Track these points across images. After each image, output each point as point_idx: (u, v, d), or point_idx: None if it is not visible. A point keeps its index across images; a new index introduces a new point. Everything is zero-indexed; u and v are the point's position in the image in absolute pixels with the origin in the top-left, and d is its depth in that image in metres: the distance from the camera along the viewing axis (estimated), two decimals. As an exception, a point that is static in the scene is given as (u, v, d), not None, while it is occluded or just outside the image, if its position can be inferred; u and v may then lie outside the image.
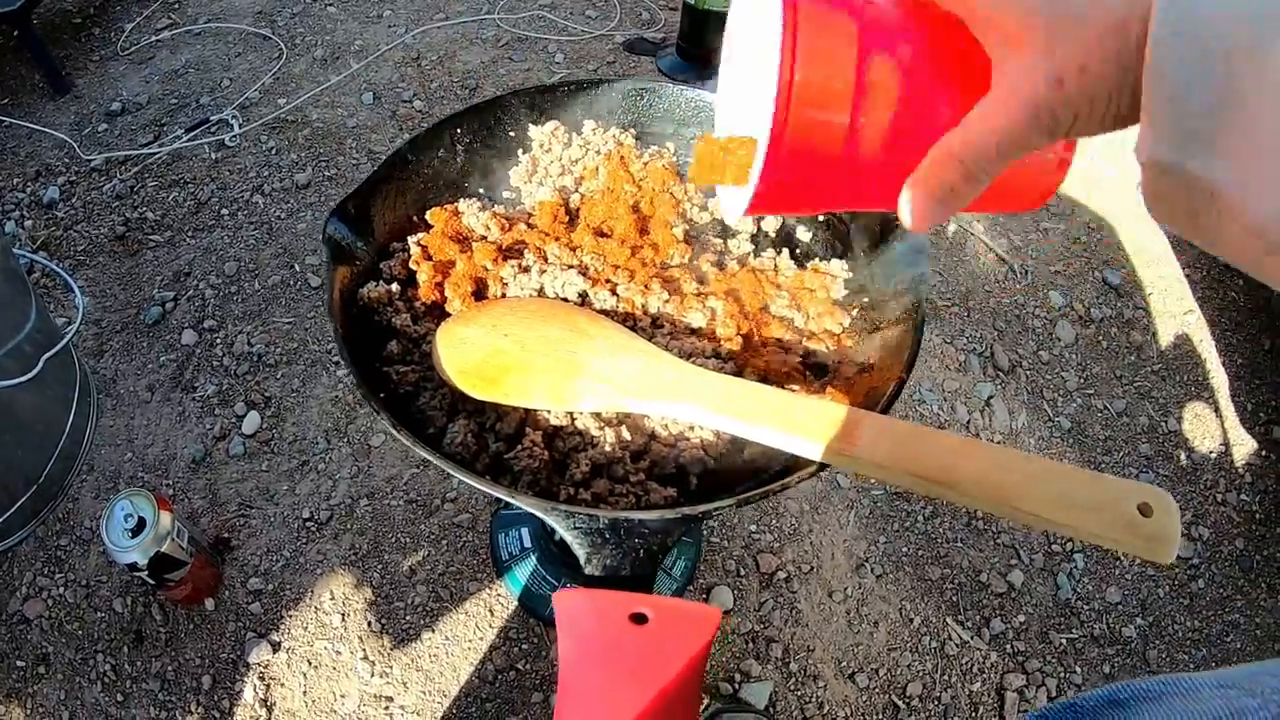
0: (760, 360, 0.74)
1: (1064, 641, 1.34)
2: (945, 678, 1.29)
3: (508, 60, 2.21)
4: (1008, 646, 1.32)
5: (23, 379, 1.18)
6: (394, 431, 0.60)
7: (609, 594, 0.55)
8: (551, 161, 0.90)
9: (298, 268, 1.72)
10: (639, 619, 0.53)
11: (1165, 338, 1.74)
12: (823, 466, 0.61)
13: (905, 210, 0.40)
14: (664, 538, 0.58)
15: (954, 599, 1.36)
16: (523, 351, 0.68)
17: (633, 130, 0.93)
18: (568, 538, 0.57)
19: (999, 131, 0.35)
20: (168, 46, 2.27)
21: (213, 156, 1.93)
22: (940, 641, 1.32)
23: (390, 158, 0.82)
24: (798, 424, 0.59)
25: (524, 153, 0.92)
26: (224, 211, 1.82)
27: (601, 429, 0.69)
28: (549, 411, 0.70)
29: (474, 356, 0.68)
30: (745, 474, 0.70)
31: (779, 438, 0.59)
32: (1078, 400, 1.62)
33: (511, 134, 0.91)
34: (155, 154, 1.92)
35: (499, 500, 1.37)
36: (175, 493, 1.40)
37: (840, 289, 0.82)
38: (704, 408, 0.61)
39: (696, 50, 2.14)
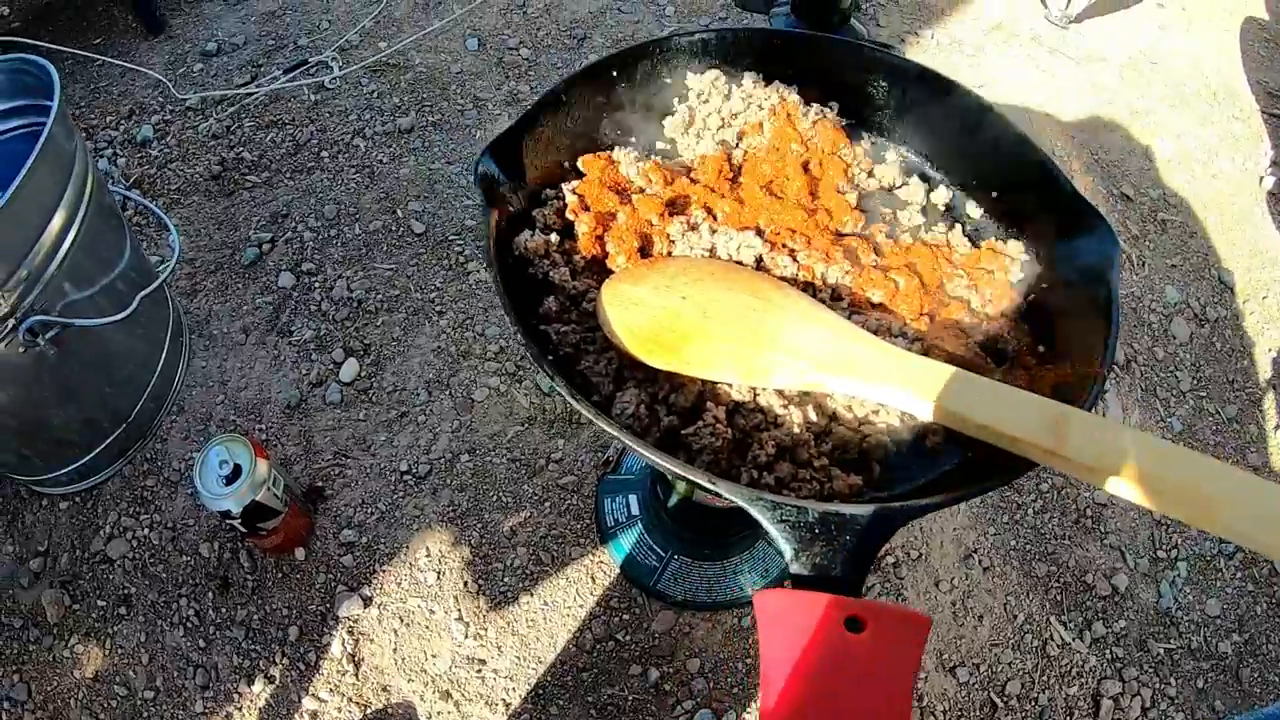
0: (946, 344, 0.68)
1: (1161, 651, 1.28)
2: (1044, 678, 1.24)
3: (616, 11, 2.13)
4: (1107, 651, 1.27)
5: (118, 317, 1.15)
6: (573, 401, 0.56)
7: (819, 596, 0.49)
8: (710, 114, 0.84)
9: (400, 213, 1.67)
10: (854, 625, 0.48)
11: (1280, 345, 1.65)
12: (1032, 465, 0.55)
13: None
14: (878, 538, 0.52)
15: (1059, 598, 1.31)
16: (704, 318, 0.62)
17: (795, 86, 0.86)
18: (771, 531, 0.52)
19: None
20: (263, -13, 2.24)
21: (312, 98, 1.89)
22: (1042, 640, 1.27)
23: (543, 97, 0.76)
24: (1014, 422, 0.54)
25: (680, 102, 0.86)
26: (324, 154, 1.78)
27: (786, 407, 0.63)
28: (730, 385, 0.65)
29: (647, 320, 0.63)
30: (927, 463, 0.64)
31: (995, 435, 0.54)
32: (1190, 402, 1.54)
33: (668, 81, 0.85)
34: (252, 94, 1.89)
35: (607, 463, 1.34)
36: (268, 438, 1.38)
37: (1018, 272, 0.76)
38: (914, 394, 0.56)
39: (813, 6, 2.03)
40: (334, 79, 1.91)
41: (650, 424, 0.63)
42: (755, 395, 0.64)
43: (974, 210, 0.82)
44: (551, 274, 0.70)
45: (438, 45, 2.02)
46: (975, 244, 0.79)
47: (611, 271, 0.72)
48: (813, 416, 0.63)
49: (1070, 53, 2.08)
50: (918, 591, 1.27)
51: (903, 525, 0.55)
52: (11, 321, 1.05)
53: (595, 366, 0.65)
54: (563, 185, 0.77)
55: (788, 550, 0.51)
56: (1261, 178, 1.89)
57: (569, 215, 0.74)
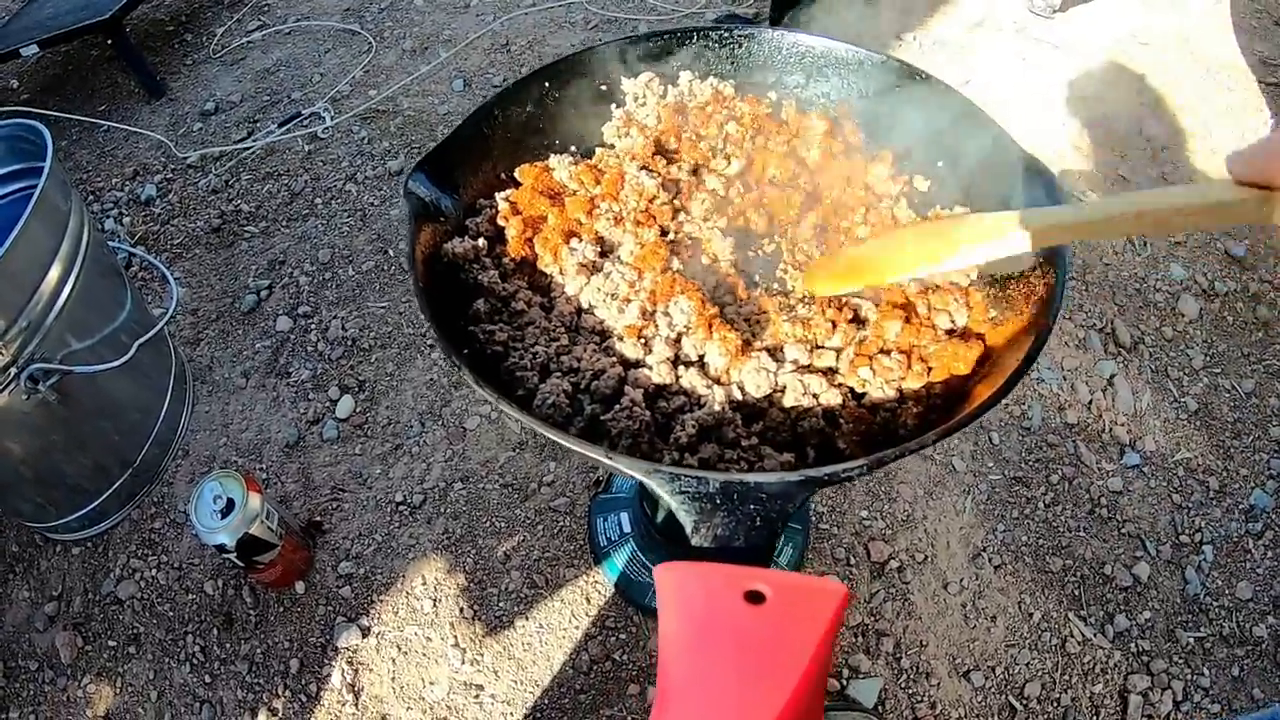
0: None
1: (1191, 641, 1.22)
2: (1065, 678, 1.19)
3: (598, 42, 2.18)
4: (1132, 645, 1.21)
5: (115, 363, 1.19)
6: (476, 386, 0.56)
7: (720, 568, 0.48)
8: (647, 115, 0.85)
9: (391, 253, 1.71)
10: (755, 597, 0.47)
11: (1293, 314, 1.59)
12: (953, 430, 0.54)
13: None
14: (784, 504, 0.51)
15: (1076, 593, 1.26)
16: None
17: (731, 80, 0.87)
18: (672, 504, 0.51)
19: None
20: (258, 47, 2.32)
21: (305, 149, 1.94)
22: (1061, 638, 1.22)
23: (476, 113, 0.78)
24: None
25: (617, 107, 0.87)
26: (318, 201, 1.83)
27: (709, 387, 0.63)
28: (650, 369, 0.65)
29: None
30: (867, 445, 0.63)
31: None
32: (1204, 380, 1.49)
33: (603, 88, 0.86)
34: (249, 149, 1.95)
35: (598, 483, 1.33)
36: (268, 477, 1.39)
37: None
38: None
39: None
40: (326, 129, 1.96)
41: (574, 414, 0.62)
42: (678, 378, 0.64)
43: (921, 184, 0.82)
44: (481, 277, 0.71)
45: (425, 89, 2.07)
46: (923, 215, 0.78)
47: (540, 271, 0.72)
48: (738, 395, 0.63)
49: (1055, 41, 2.06)
50: (925, 596, 1.23)
51: (814, 491, 0.53)
52: (13, 370, 1.08)
53: (520, 362, 0.65)
54: (496, 194, 0.78)
55: (689, 524, 0.49)
56: None
57: (500, 221, 0.75)
